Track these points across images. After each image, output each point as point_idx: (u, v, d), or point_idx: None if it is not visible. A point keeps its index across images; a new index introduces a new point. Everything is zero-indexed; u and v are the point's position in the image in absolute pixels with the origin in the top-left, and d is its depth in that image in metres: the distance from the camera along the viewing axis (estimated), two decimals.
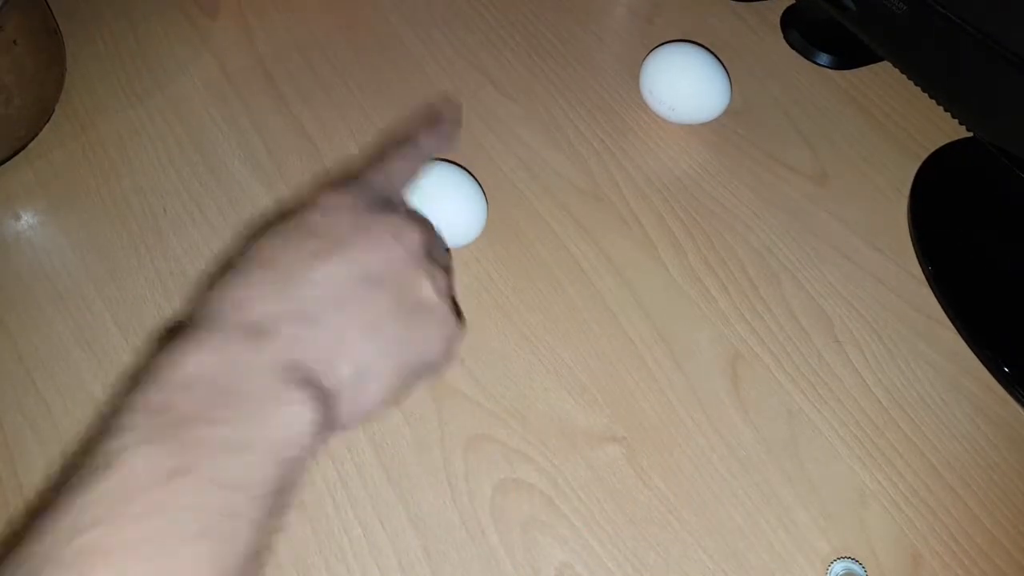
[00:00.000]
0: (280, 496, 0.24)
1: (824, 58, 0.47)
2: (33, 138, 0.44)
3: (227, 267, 0.28)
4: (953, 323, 0.38)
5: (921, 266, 0.40)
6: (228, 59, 0.47)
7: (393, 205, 0.31)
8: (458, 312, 0.31)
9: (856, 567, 0.32)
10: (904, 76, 0.40)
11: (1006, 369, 0.36)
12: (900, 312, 0.39)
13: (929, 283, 0.39)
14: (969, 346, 0.38)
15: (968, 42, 0.34)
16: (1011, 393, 0.36)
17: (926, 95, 0.39)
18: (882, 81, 0.47)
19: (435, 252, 0.31)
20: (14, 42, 0.39)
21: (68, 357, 0.37)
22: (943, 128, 0.44)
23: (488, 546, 0.33)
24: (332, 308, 0.27)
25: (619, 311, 0.39)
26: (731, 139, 0.45)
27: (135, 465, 0.22)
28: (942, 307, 0.39)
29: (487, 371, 0.37)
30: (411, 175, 0.33)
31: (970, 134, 0.39)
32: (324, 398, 0.25)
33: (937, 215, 0.41)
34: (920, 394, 0.37)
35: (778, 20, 0.50)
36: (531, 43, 0.48)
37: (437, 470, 0.35)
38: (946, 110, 0.38)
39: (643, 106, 0.46)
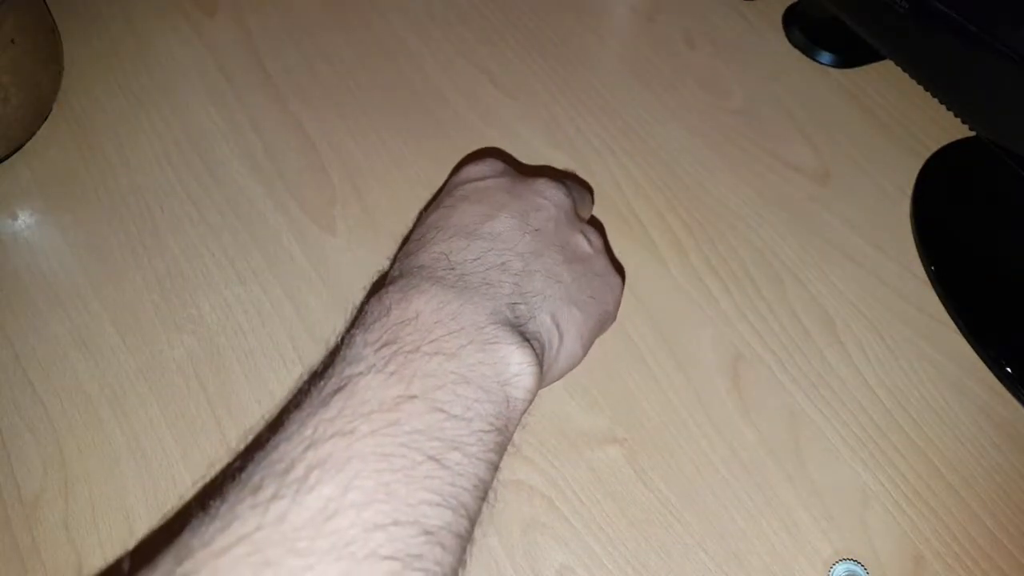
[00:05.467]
0: (500, 436, 0.24)
1: (826, 57, 0.47)
2: (30, 137, 0.43)
3: (405, 240, 0.30)
4: (956, 323, 0.38)
5: (924, 266, 0.40)
6: (226, 58, 0.47)
7: (527, 174, 0.33)
8: (617, 266, 0.32)
9: (858, 569, 0.32)
10: (907, 75, 0.39)
11: (1008, 370, 0.36)
12: (902, 312, 0.39)
13: (932, 283, 0.39)
14: (972, 346, 0.37)
15: (971, 40, 0.33)
16: (1014, 394, 0.36)
17: (929, 94, 0.39)
18: (885, 80, 0.46)
19: (582, 212, 0.33)
20: (12, 40, 0.39)
21: (65, 358, 0.37)
22: (946, 127, 0.44)
23: (488, 548, 0.33)
24: (517, 258, 0.28)
25: (620, 311, 0.38)
26: (733, 138, 0.44)
27: (367, 388, 0.22)
28: (945, 307, 0.39)
29: None
30: None
31: (973, 133, 0.39)
32: (535, 344, 0.26)
33: (940, 215, 0.41)
34: (923, 395, 0.36)
35: (780, 18, 0.49)
36: (531, 41, 0.48)
37: None
38: (949, 109, 0.38)
39: (644, 105, 0.45)
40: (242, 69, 0.47)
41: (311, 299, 0.39)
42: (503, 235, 0.28)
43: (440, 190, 0.35)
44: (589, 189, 0.40)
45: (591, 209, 0.37)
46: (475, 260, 0.27)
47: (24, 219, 0.41)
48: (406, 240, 0.31)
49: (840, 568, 0.32)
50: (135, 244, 0.40)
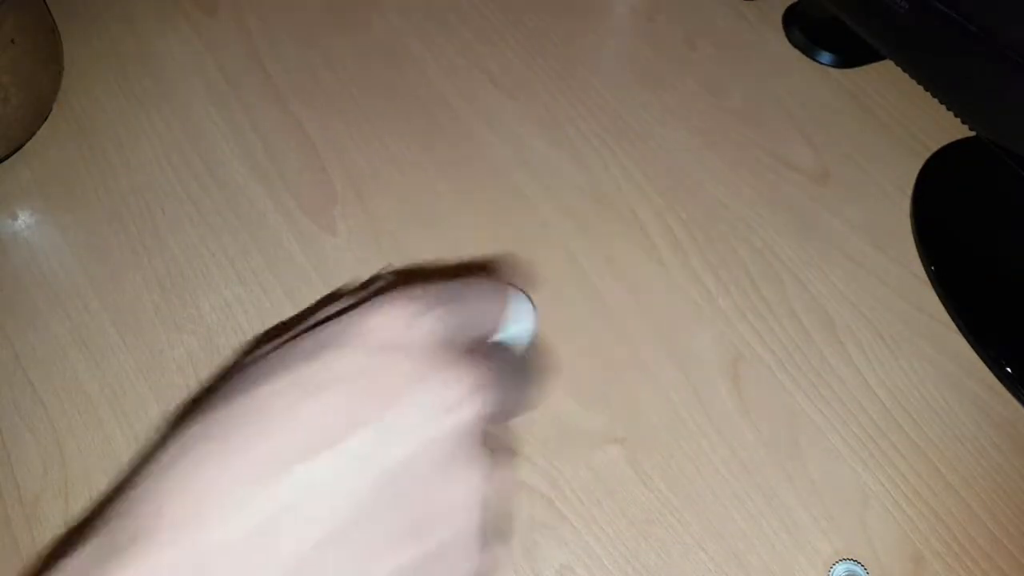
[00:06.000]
0: None
1: (826, 57, 0.47)
2: (30, 138, 0.43)
3: (210, 390, 0.20)
4: (956, 323, 0.38)
5: (924, 266, 0.40)
6: (226, 58, 0.47)
7: (462, 352, 0.20)
8: (497, 531, 0.20)
9: (858, 568, 0.32)
10: (907, 75, 0.39)
11: (1008, 369, 0.36)
12: (902, 312, 0.39)
13: (932, 283, 0.39)
14: (972, 346, 0.37)
15: (970, 40, 0.33)
16: (1014, 394, 0.36)
17: (929, 94, 0.39)
18: (885, 80, 0.46)
19: (500, 435, 0.21)
20: (12, 41, 0.39)
21: (65, 358, 0.37)
22: (946, 127, 0.44)
23: None
24: (312, 532, 0.17)
25: (619, 311, 0.38)
26: (733, 138, 0.44)
27: None
28: (945, 307, 0.39)
29: None
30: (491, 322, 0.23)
31: (973, 133, 0.39)
32: None
33: (940, 215, 0.41)
34: (922, 395, 0.36)
35: (780, 18, 0.49)
36: (532, 41, 0.48)
37: None
38: (949, 109, 0.38)
39: (644, 105, 0.45)
40: (242, 69, 0.47)
41: (311, 299, 0.39)
42: (319, 489, 0.17)
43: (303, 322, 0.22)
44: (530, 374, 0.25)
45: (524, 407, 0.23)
46: (239, 539, 0.16)
47: (24, 219, 0.41)
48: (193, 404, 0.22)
49: (840, 568, 0.32)
50: (135, 244, 0.40)
